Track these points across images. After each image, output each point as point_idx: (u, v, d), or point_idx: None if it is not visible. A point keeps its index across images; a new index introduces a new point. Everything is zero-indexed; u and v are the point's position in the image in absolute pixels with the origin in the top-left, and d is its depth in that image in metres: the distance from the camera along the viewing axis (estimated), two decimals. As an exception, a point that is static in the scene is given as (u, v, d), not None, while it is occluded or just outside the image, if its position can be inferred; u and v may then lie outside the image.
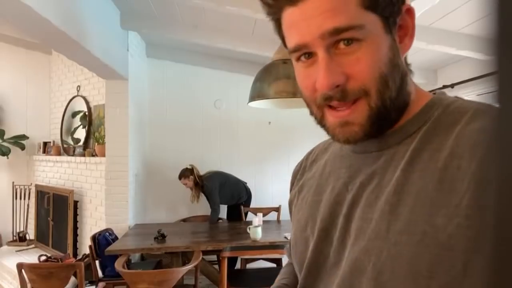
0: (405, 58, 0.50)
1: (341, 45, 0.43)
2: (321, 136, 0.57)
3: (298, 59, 0.48)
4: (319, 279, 0.53)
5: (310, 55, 0.46)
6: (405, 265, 0.41)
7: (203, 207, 3.89)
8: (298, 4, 0.43)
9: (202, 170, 3.72)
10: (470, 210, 0.38)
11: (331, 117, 0.47)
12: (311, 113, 0.51)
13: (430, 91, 0.53)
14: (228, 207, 3.95)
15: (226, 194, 3.71)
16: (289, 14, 0.45)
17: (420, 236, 0.40)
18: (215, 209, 3.59)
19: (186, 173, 3.60)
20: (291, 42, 0.46)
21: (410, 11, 0.47)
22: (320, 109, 0.48)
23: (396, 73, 0.45)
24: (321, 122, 0.50)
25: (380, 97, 0.44)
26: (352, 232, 0.48)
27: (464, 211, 0.38)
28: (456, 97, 0.49)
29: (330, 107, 0.47)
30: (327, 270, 0.52)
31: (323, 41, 0.43)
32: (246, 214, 3.87)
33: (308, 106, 0.50)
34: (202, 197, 3.69)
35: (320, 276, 0.53)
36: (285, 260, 3.23)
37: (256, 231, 2.88)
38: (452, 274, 0.38)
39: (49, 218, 4.21)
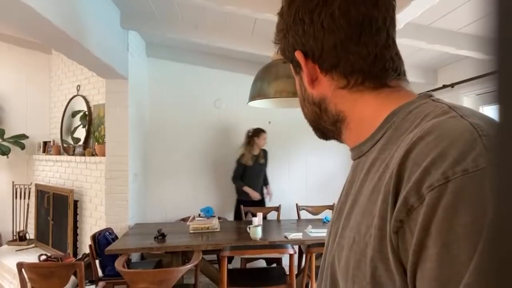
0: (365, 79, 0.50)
1: None
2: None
3: None
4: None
5: None
6: (342, 268, 0.45)
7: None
8: None
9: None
10: (378, 221, 0.39)
11: None
12: None
13: (429, 91, 0.53)
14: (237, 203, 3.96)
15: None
16: None
17: (351, 242, 0.44)
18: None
19: None
20: None
21: (299, 55, 0.52)
22: None
23: (307, 103, 0.57)
24: None
25: (305, 117, 0.60)
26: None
27: (376, 221, 0.39)
28: (433, 99, 0.46)
29: None
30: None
31: None
32: (246, 213, 3.87)
33: None
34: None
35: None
36: (285, 259, 3.23)
37: (256, 230, 2.88)
38: (366, 281, 0.40)
39: (49, 218, 4.22)
